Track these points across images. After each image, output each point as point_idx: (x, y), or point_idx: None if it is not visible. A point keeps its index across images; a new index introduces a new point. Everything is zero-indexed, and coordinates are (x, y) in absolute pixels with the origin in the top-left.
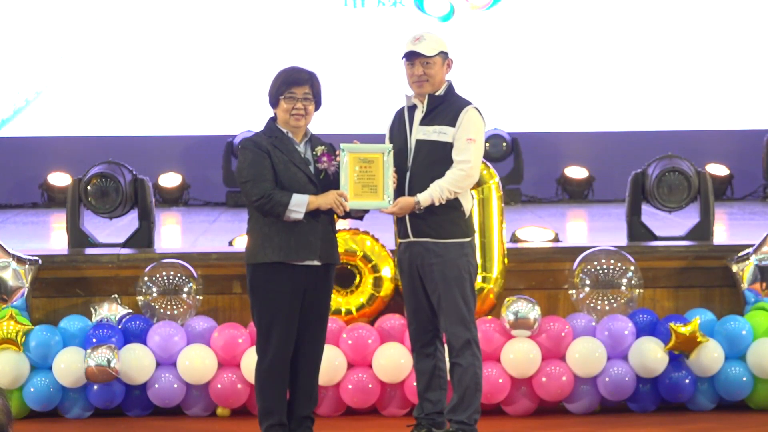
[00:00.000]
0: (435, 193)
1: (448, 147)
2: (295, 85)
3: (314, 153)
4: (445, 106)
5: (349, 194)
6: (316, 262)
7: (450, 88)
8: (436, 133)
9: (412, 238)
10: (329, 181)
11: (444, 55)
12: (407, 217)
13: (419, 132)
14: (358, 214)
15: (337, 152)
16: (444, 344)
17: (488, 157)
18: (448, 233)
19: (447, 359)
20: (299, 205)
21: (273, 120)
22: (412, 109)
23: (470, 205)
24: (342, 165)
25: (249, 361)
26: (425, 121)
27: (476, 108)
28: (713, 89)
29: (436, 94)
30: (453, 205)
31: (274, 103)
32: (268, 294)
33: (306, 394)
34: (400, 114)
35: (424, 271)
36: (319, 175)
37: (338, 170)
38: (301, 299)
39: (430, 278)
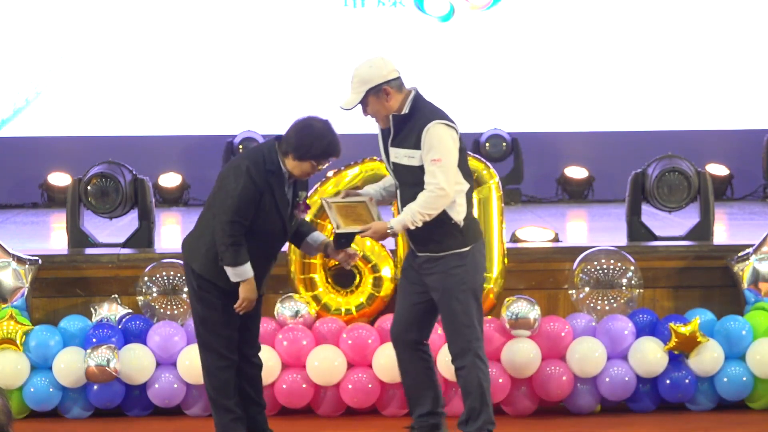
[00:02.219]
0: (407, 217)
1: (420, 170)
2: (332, 157)
3: (297, 198)
4: (411, 126)
5: (340, 224)
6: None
7: (415, 101)
8: (407, 157)
9: (416, 252)
10: (293, 227)
11: (375, 89)
12: (407, 234)
13: (393, 154)
14: (345, 258)
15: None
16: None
17: (488, 157)
18: (444, 247)
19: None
20: (242, 276)
21: (278, 150)
22: (386, 130)
23: (463, 214)
24: (329, 213)
25: None
26: (395, 143)
27: (439, 121)
28: (713, 89)
29: (402, 113)
30: (442, 219)
31: (303, 157)
32: (211, 302)
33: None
34: (379, 135)
35: (425, 281)
36: (291, 220)
37: (304, 219)
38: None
39: (432, 290)
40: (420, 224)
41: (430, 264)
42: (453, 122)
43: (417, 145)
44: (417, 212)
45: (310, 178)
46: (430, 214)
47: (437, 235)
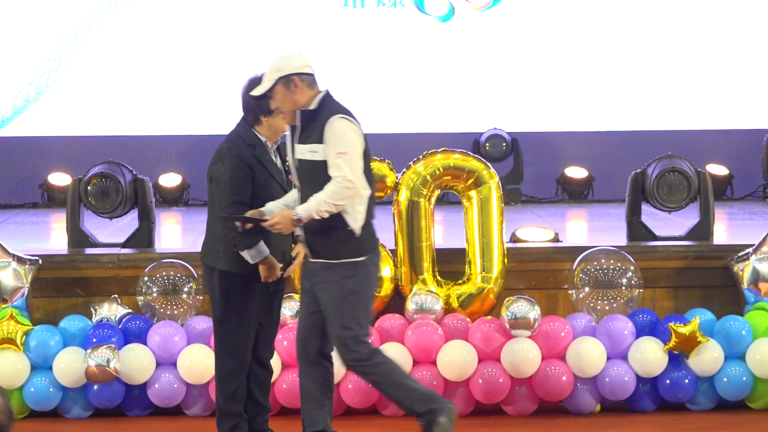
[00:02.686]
0: (313, 206)
1: (322, 165)
2: None
3: (285, 163)
4: (317, 122)
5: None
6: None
7: (324, 99)
8: (310, 152)
9: (310, 259)
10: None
11: (284, 79)
12: (305, 240)
13: (298, 151)
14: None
15: None
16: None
17: (488, 157)
18: (338, 254)
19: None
20: (259, 255)
21: (248, 125)
22: (294, 129)
23: (360, 222)
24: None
25: None
26: (301, 139)
27: (343, 116)
28: (713, 89)
29: (310, 108)
30: (338, 225)
31: (270, 110)
32: (237, 301)
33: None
34: (288, 135)
35: (316, 290)
36: (290, 186)
37: None
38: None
39: (321, 298)
40: (326, 215)
41: (323, 272)
42: (358, 122)
43: (320, 139)
44: (323, 201)
45: None
46: (337, 206)
47: (331, 242)
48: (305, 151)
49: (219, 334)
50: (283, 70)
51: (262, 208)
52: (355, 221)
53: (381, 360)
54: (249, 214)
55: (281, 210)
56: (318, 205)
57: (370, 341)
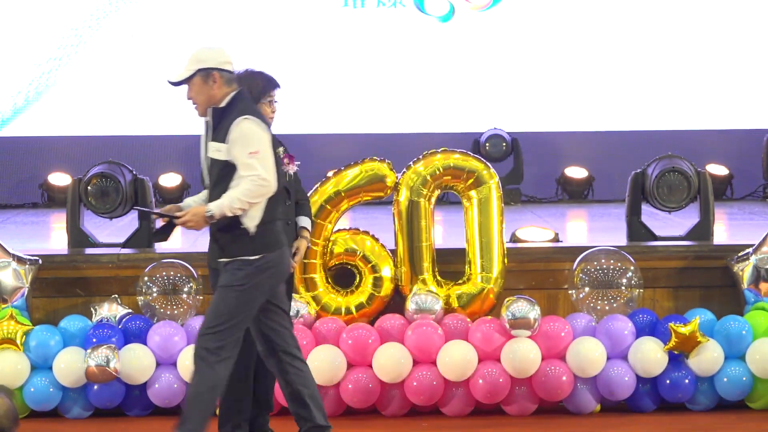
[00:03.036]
0: (226, 202)
1: (226, 165)
2: (276, 88)
3: (277, 154)
4: (225, 120)
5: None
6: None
7: (234, 98)
8: (216, 151)
9: (217, 259)
10: (292, 183)
11: (204, 72)
12: (209, 241)
13: (210, 149)
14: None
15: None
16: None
17: (488, 157)
18: (232, 252)
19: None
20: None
21: None
22: (208, 125)
23: (256, 221)
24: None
25: None
26: (213, 136)
27: (249, 117)
28: (713, 89)
29: (220, 106)
30: (232, 224)
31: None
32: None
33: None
34: (203, 131)
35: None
36: (284, 177)
37: (298, 170)
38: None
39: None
40: (239, 212)
41: (223, 269)
42: (266, 125)
43: (225, 139)
44: (237, 198)
45: (310, 179)
46: (250, 203)
47: (227, 240)
48: (213, 150)
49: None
50: (204, 62)
51: (181, 203)
52: (250, 220)
53: (220, 369)
54: (166, 209)
55: (197, 204)
56: (231, 203)
57: (230, 343)
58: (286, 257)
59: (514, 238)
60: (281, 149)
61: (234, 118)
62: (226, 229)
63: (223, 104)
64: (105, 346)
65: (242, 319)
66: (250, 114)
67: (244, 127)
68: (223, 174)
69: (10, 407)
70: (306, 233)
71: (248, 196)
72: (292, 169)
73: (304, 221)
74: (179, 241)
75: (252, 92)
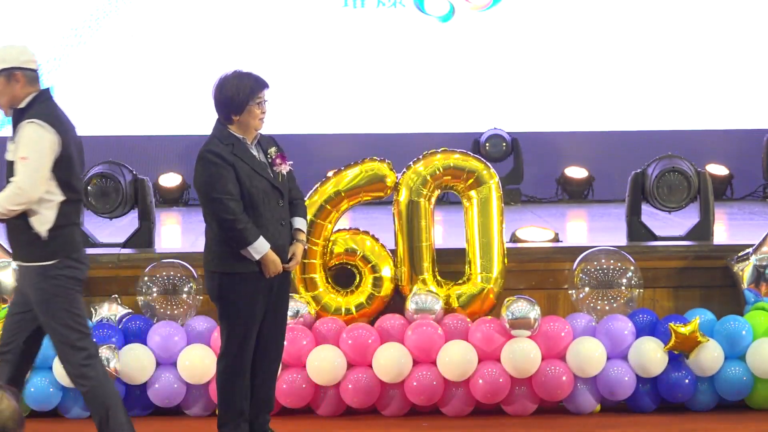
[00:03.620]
0: None
1: (12, 165)
2: (265, 88)
3: (268, 155)
4: (20, 121)
5: None
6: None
7: (34, 99)
8: (9, 152)
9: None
10: (285, 183)
11: (7, 71)
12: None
13: (7, 149)
14: None
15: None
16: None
17: (488, 157)
18: (27, 257)
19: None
20: (258, 251)
21: (223, 125)
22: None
23: (47, 226)
24: None
25: None
26: (11, 137)
27: (35, 121)
28: (713, 89)
29: (19, 107)
30: (23, 227)
31: (239, 109)
32: (236, 300)
33: (265, 398)
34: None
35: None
36: (277, 178)
37: (291, 170)
38: (265, 303)
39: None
40: (5, 216)
41: (23, 274)
42: (62, 130)
43: (13, 139)
44: (1, 204)
45: (310, 179)
46: (11, 210)
47: (20, 243)
48: (8, 150)
49: (222, 335)
50: (6, 62)
51: None
52: (41, 224)
53: (97, 370)
54: None
55: None
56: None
57: (89, 345)
58: (83, 262)
59: (514, 238)
60: (273, 149)
61: (25, 118)
62: (16, 232)
63: (22, 105)
64: (105, 346)
65: (77, 318)
66: (41, 117)
67: (25, 130)
68: (10, 174)
69: (16, 409)
70: (301, 235)
71: (7, 202)
72: (285, 168)
73: (299, 222)
74: (179, 241)
75: (240, 94)
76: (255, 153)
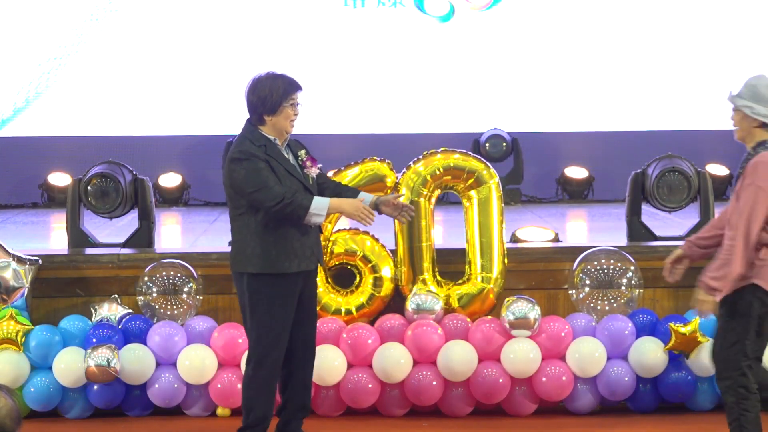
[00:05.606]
0: None
1: None
2: (298, 90)
3: (299, 158)
4: None
5: None
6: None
7: None
8: None
9: None
10: (315, 185)
11: None
12: None
13: None
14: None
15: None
16: None
17: (488, 157)
18: None
19: None
20: (320, 209)
21: (254, 126)
22: None
23: None
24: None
25: None
26: None
27: None
28: (713, 89)
29: None
30: None
31: (273, 110)
32: (269, 302)
33: (304, 385)
34: None
35: None
36: (308, 180)
37: (321, 172)
38: (296, 303)
39: None
40: None
41: None
42: None
43: None
44: None
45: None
46: None
47: None
48: None
49: (250, 338)
50: None
51: None
52: None
53: None
54: None
55: None
56: None
57: None
58: None
59: (514, 238)
60: (303, 152)
61: None
62: None
63: None
64: (105, 346)
65: None
66: None
67: None
68: None
69: (12, 407)
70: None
71: None
72: (314, 171)
73: (365, 195)
74: (179, 241)
75: (274, 95)
76: (286, 154)
